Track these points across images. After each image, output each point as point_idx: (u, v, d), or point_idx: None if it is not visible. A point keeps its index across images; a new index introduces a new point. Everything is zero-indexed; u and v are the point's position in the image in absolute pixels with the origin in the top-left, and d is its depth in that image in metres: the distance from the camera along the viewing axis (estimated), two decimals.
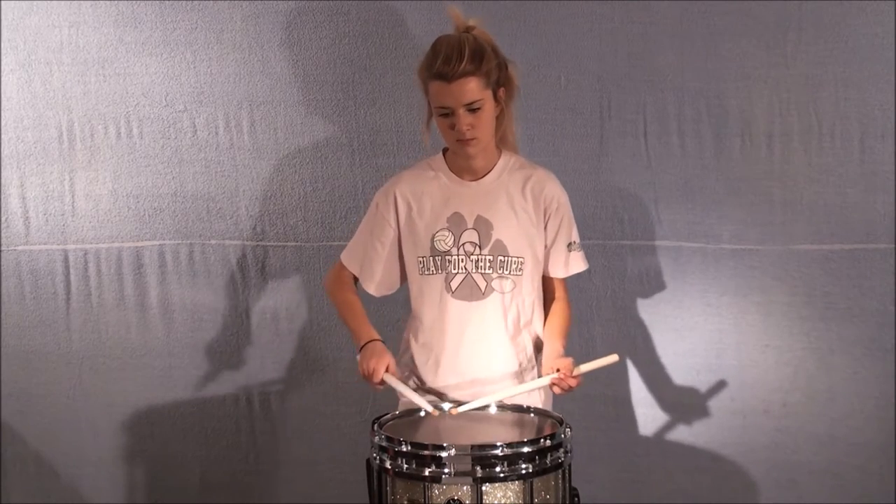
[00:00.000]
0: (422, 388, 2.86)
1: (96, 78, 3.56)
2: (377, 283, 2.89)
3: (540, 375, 2.83)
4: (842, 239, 3.34)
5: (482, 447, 2.43)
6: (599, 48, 3.37)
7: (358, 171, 3.52)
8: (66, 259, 3.65)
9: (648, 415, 3.51)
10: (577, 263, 2.90)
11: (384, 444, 2.50)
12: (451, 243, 2.81)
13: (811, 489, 3.44)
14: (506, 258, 2.81)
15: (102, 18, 3.52)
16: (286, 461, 3.68)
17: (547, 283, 2.92)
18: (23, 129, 3.61)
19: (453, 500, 2.42)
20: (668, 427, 3.50)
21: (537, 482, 2.47)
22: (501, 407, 2.75)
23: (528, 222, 2.83)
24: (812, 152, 3.32)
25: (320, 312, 3.58)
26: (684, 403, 3.48)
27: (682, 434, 3.49)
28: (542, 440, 2.47)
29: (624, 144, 3.41)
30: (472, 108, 2.68)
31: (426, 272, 2.82)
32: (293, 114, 3.52)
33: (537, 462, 2.46)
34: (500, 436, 2.59)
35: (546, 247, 2.87)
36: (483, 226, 2.81)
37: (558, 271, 2.89)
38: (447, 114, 2.70)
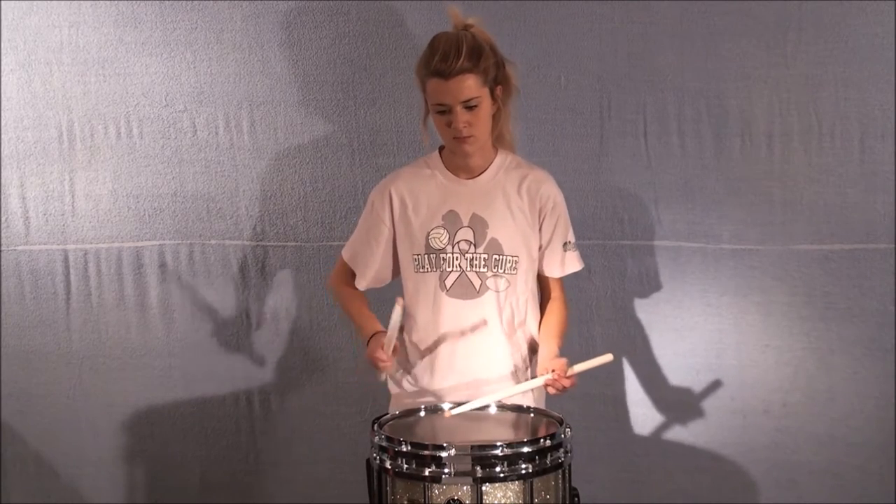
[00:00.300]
0: (416, 387, 2.86)
1: (96, 78, 3.56)
2: (368, 280, 2.90)
3: (535, 376, 2.83)
4: (842, 239, 3.34)
5: (482, 447, 2.43)
6: (599, 48, 3.37)
7: (358, 171, 3.52)
8: (66, 259, 3.65)
9: (648, 415, 3.51)
10: (572, 263, 2.90)
11: (384, 444, 2.50)
12: (445, 241, 2.81)
13: (811, 489, 3.44)
14: (501, 257, 2.81)
15: (102, 18, 3.52)
16: (286, 461, 3.68)
17: (543, 282, 2.92)
18: (23, 129, 3.61)
19: (453, 500, 2.42)
20: (668, 427, 3.50)
21: (537, 482, 2.47)
22: (501, 407, 2.75)
23: (523, 222, 2.83)
24: (812, 152, 3.32)
25: (320, 312, 3.58)
26: (684, 403, 3.48)
27: (682, 434, 3.49)
28: (542, 440, 2.47)
29: (624, 144, 3.41)
30: (470, 106, 2.69)
31: (421, 270, 2.82)
32: (293, 114, 3.52)
33: (537, 462, 2.46)
34: (500, 436, 2.59)
35: (541, 247, 2.87)
36: (478, 224, 2.81)
37: (554, 271, 2.89)
38: (444, 111, 2.70)
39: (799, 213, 3.35)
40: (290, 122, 3.53)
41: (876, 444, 3.39)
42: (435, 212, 2.82)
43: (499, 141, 2.85)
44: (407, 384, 2.88)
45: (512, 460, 2.43)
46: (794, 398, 3.43)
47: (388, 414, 2.71)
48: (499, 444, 2.43)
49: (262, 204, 3.57)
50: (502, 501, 2.44)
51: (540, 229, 2.86)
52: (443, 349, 2.83)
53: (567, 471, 2.54)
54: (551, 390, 2.72)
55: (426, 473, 2.43)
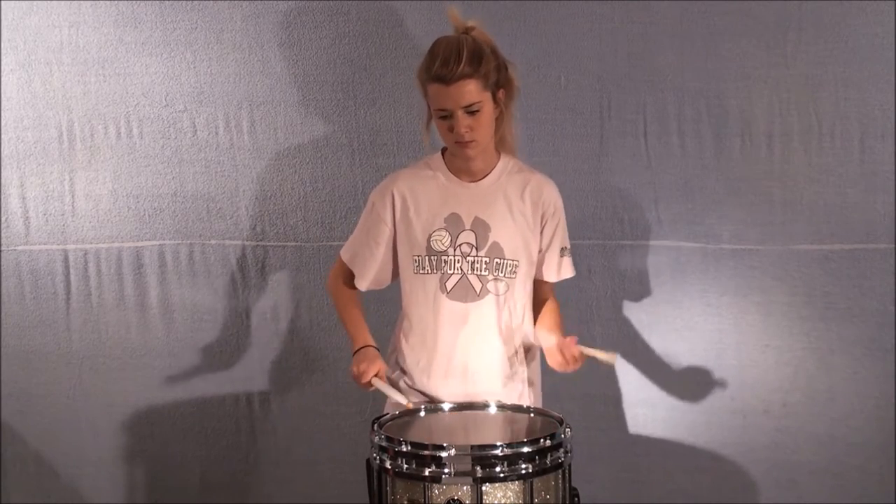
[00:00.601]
0: (413, 389, 2.86)
1: (96, 78, 3.56)
2: (369, 280, 2.90)
3: (531, 378, 2.83)
4: (842, 239, 3.34)
5: (482, 447, 2.43)
6: (599, 48, 3.37)
7: (358, 171, 3.52)
8: (66, 259, 3.65)
9: (648, 415, 3.50)
10: (567, 269, 2.91)
11: (384, 444, 2.50)
12: (447, 243, 2.81)
13: (811, 489, 3.44)
14: (502, 261, 2.81)
15: (102, 18, 3.52)
16: (286, 461, 3.68)
17: (536, 287, 2.92)
18: (23, 129, 3.60)
19: (453, 500, 2.42)
20: (668, 427, 3.50)
21: (537, 482, 2.47)
22: (501, 407, 2.75)
23: (524, 226, 2.83)
24: (812, 152, 3.32)
25: (320, 312, 3.58)
26: (684, 403, 3.48)
27: (682, 434, 3.49)
28: (542, 440, 2.47)
29: (624, 144, 3.41)
30: (471, 111, 2.68)
31: (420, 271, 2.82)
32: (293, 114, 3.52)
33: (537, 462, 2.46)
34: (500, 436, 2.59)
35: (541, 251, 2.87)
36: (480, 227, 2.81)
37: (551, 275, 2.90)
38: (446, 116, 2.69)
39: (799, 213, 3.35)
40: (290, 122, 3.52)
41: (876, 444, 3.39)
42: (437, 214, 2.82)
43: (501, 144, 2.84)
44: (404, 385, 2.88)
45: (512, 460, 2.43)
46: (794, 398, 3.43)
47: (387, 414, 2.71)
48: (499, 444, 2.43)
49: (262, 204, 3.57)
50: (502, 501, 2.44)
51: (541, 234, 2.86)
52: (441, 351, 2.82)
53: (567, 471, 2.55)
54: (558, 360, 2.69)
55: (426, 473, 2.43)
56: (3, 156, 3.62)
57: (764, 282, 3.39)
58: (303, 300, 3.60)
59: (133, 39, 3.52)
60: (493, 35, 2.76)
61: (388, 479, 2.50)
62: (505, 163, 2.85)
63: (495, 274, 2.81)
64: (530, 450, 2.45)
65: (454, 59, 2.63)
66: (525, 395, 2.87)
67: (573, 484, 2.59)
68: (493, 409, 2.74)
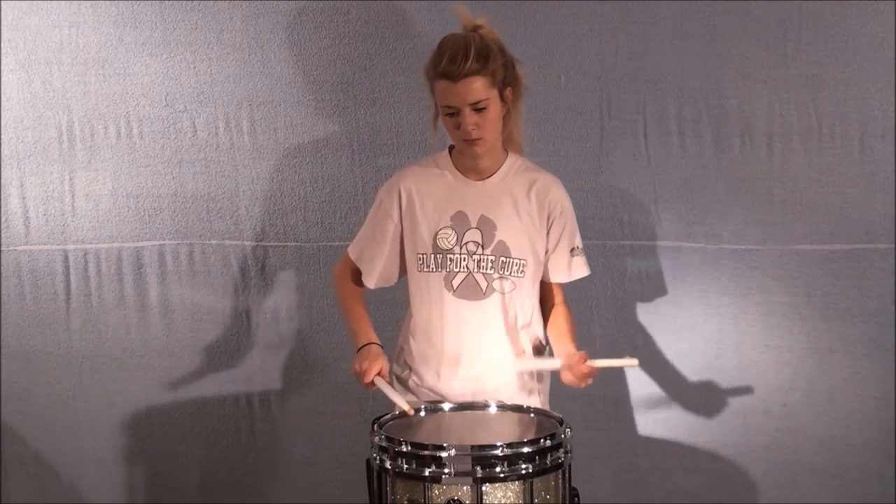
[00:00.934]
0: (421, 387, 2.86)
1: (96, 78, 3.56)
2: (376, 277, 2.89)
3: (549, 373, 2.83)
4: (842, 239, 3.34)
5: (482, 447, 2.43)
6: (599, 48, 3.37)
7: (358, 171, 3.53)
8: (66, 259, 3.65)
9: (648, 415, 3.50)
10: (579, 269, 2.90)
11: (384, 444, 2.50)
12: (453, 242, 2.81)
13: (811, 489, 3.44)
14: (508, 259, 2.80)
15: (102, 18, 3.52)
16: (286, 461, 3.68)
17: (545, 289, 2.92)
18: (23, 129, 3.61)
19: (453, 500, 2.42)
20: (668, 427, 3.50)
21: (537, 482, 2.47)
22: (501, 407, 2.75)
23: (531, 225, 2.83)
24: (812, 152, 3.33)
25: (320, 312, 3.58)
26: (684, 403, 3.48)
27: (682, 434, 3.49)
28: (542, 440, 2.47)
29: (624, 144, 3.41)
30: (478, 108, 2.68)
31: (425, 269, 2.82)
32: (293, 114, 3.52)
33: (537, 462, 2.46)
34: (500, 436, 2.59)
35: (547, 251, 2.87)
36: (486, 226, 2.80)
37: (560, 276, 2.89)
38: (453, 113, 2.69)
39: (799, 213, 3.36)
40: (290, 122, 3.53)
41: (876, 444, 3.39)
42: (443, 212, 2.81)
43: (508, 142, 2.84)
44: (413, 383, 2.88)
45: (512, 460, 2.43)
46: (794, 398, 3.43)
47: (388, 414, 2.71)
48: (499, 444, 2.43)
49: (262, 204, 3.57)
50: (502, 501, 2.44)
51: (547, 234, 2.85)
52: (447, 350, 2.82)
53: (567, 471, 2.54)
54: (568, 377, 2.70)
55: (426, 473, 2.43)
56: (3, 156, 3.62)
57: (764, 282, 3.40)
58: (303, 300, 3.60)
59: (133, 39, 3.53)
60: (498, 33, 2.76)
61: (388, 479, 2.50)
62: (512, 161, 2.85)
63: (501, 272, 2.80)
64: (530, 450, 2.45)
65: (462, 56, 2.63)
66: (535, 394, 2.87)
67: (573, 484, 2.59)
68: (493, 409, 2.74)
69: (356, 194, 3.52)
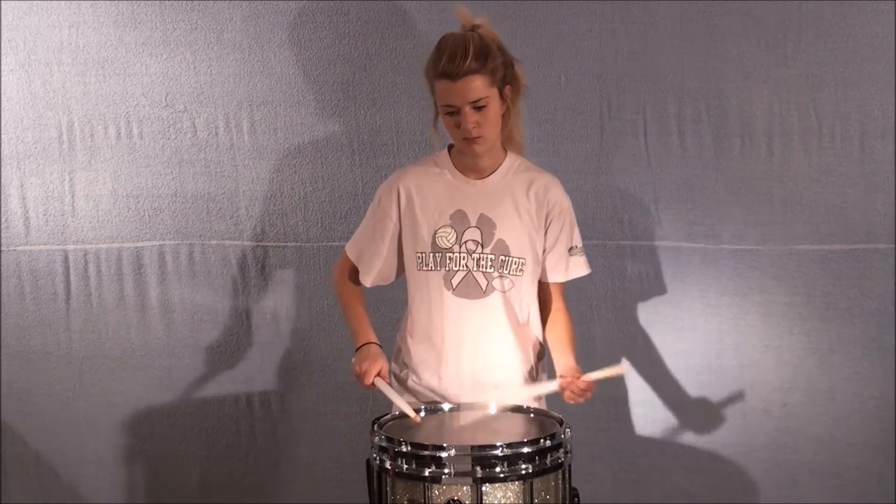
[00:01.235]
0: (421, 387, 2.86)
1: (96, 78, 3.56)
2: (373, 276, 2.89)
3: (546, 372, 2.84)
4: (842, 239, 3.34)
5: (482, 447, 2.43)
6: (599, 48, 3.37)
7: (358, 171, 3.53)
8: (66, 259, 3.65)
9: (648, 415, 3.51)
10: (578, 268, 2.90)
11: (384, 444, 2.50)
12: (453, 240, 2.81)
13: (811, 489, 3.44)
14: (507, 258, 2.81)
15: (102, 18, 3.52)
16: (286, 461, 3.68)
17: (545, 291, 2.92)
18: (23, 129, 3.61)
19: (453, 500, 2.42)
20: (668, 427, 3.50)
21: (537, 482, 2.47)
22: (501, 407, 2.75)
23: (530, 224, 2.83)
24: (812, 152, 3.33)
25: (320, 312, 3.58)
26: (684, 403, 3.48)
27: (682, 434, 3.49)
28: (542, 440, 2.47)
29: (624, 144, 3.41)
30: (478, 107, 2.68)
31: (424, 268, 2.82)
32: (293, 114, 3.52)
33: (537, 462, 2.46)
34: (499, 436, 2.58)
35: (545, 250, 2.87)
36: (486, 225, 2.81)
37: (558, 276, 2.89)
38: (453, 112, 2.69)
39: (799, 213, 3.36)
40: (290, 122, 3.53)
41: (876, 444, 3.39)
42: (443, 211, 2.82)
43: (508, 140, 2.84)
44: (412, 383, 2.88)
45: (512, 460, 2.43)
46: (794, 398, 3.43)
47: (387, 414, 2.71)
48: (498, 444, 2.43)
49: (262, 204, 3.57)
50: (502, 502, 2.44)
51: (545, 234, 2.85)
52: (448, 349, 2.82)
53: (567, 471, 2.54)
54: (568, 395, 2.71)
55: (426, 474, 2.43)
56: (3, 156, 3.62)
57: (764, 282, 3.40)
58: (303, 300, 3.60)
59: (133, 39, 3.53)
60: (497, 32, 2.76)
61: (388, 479, 2.50)
62: (511, 160, 2.85)
63: (501, 271, 2.81)
64: (530, 450, 2.45)
65: (461, 54, 2.64)
66: (531, 400, 2.87)
67: (573, 484, 2.59)
68: (492, 409, 2.74)
69: (356, 194, 3.52)
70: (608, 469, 3.53)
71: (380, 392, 2.72)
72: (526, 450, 2.45)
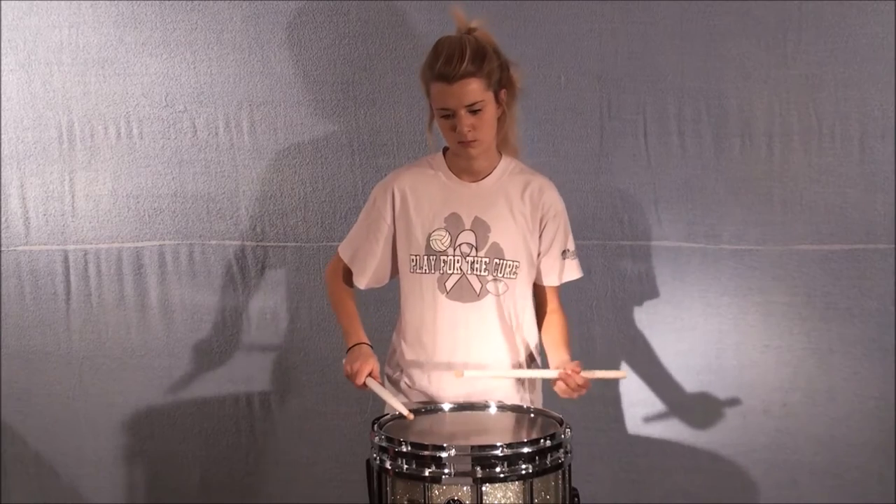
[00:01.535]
0: (413, 389, 2.86)
1: (96, 78, 3.56)
2: (367, 278, 2.89)
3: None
4: (842, 239, 3.34)
5: (482, 448, 2.43)
6: (599, 48, 3.37)
7: (358, 171, 3.53)
8: (66, 259, 3.65)
9: (648, 415, 3.50)
10: (571, 271, 2.89)
11: (384, 444, 2.50)
12: (447, 243, 2.81)
13: (811, 489, 3.44)
14: (501, 261, 2.80)
15: (102, 18, 3.52)
16: (286, 461, 3.68)
17: (540, 294, 2.91)
18: (23, 129, 3.61)
19: (453, 500, 2.42)
20: (668, 427, 3.50)
21: (537, 482, 2.47)
22: (501, 407, 2.75)
23: (524, 227, 2.82)
24: (812, 152, 3.33)
25: (320, 312, 3.58)
26: (684, 403, 3.48)
27: (682, 434, 3.49)
28: (542, 440, 2.47)
29: (624, 144, 3.41)
30: (474, 110, 2.68)
31: (417, 270, 2.82)
32: (293, 114, 3.52)
33: (537, 462, 2.46)
34: (500, 436, 2.59)
35: (539, 254, 2.86)
36: (480, 227, 2.80)
37: (552, 279, 2.88)
38: (448, 115, 2.69)
39: (799, 213, 3.36)
40: (290, 122, 3.53)
41: (876, 444, 3.39)
42: (437, 213, 2.81)
43: (503, 144, 2.84)
44: (404, 385, 2.88)
45: (512, 461, 2.43)
46: (794, 398, 3.43)
47: (387, 414, 2.71)
48: (499, 444, 2.43)
49: (262, 204, 3.57)
50: (502, 502, 2.44)
51: (539, 237, 2.85)
52: (440, 351, 2.82)
53: (567, 471, 2.54)
54: (563, 388, 2.69)
55: (426, 474, 2.43)
56: (3, 156, 3.62)
57: (764, 282, 3.40)
58: (302, 300, 3.60)
59: (133, 39, 3.53)
60: (493, 35, 2.76)
61: (388, 479, 2.50)
62: (506, 163, 2.85)
63: (495, 274, 2.80)
64: (530, 450, 2.45)
65: (457, 57, 2.63)
66: (526, 396, 2.87)
67: (573, 484, 2.59)
68: (493, 410, 2.74)
69: (356, 194, 3.52)
70: (608, 469, 3.53)
71: (372, 392, 2.72)
72: (526, 450, 2.45)
